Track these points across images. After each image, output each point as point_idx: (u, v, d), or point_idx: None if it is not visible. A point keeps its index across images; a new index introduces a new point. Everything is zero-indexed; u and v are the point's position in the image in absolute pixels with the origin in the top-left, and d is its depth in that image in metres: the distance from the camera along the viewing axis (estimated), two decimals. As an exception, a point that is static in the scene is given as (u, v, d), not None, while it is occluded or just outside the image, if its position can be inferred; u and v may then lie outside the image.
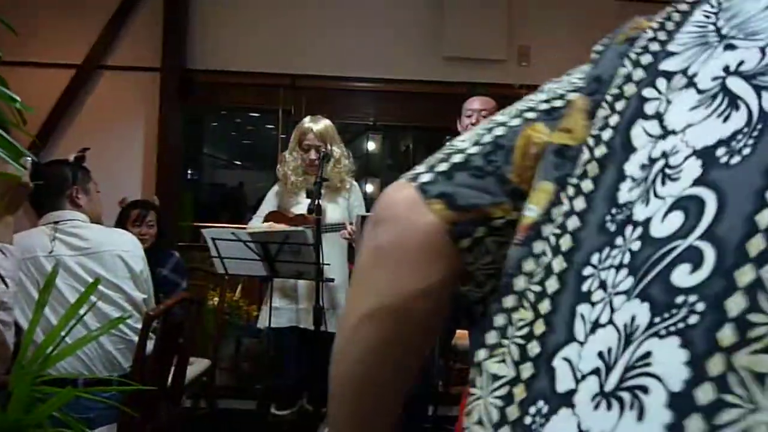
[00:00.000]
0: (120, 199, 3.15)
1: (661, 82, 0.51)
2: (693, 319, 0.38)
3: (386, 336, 0.57)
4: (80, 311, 1.52)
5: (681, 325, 0.38)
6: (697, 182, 0.42)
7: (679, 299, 0.39)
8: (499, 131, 0.59)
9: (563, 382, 0.43)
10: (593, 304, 0.44)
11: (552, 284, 0.47)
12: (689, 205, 0.42)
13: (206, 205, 8.10)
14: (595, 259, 0.45)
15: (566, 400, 0.42)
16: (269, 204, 3.08)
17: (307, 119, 3.00)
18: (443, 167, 0.57)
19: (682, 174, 0.43)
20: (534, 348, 0.46)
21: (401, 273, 0.55)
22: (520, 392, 0.46)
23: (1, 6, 3.29)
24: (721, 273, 0.38)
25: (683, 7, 0.58)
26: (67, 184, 2.16)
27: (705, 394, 0.36)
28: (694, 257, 0.39)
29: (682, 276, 0.39)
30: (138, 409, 1.89)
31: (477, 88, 3.06)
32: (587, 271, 0.45)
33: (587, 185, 0.49)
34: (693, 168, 0.43)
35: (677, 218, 0.42)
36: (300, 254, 2.57)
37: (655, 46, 0.55)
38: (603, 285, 0.44)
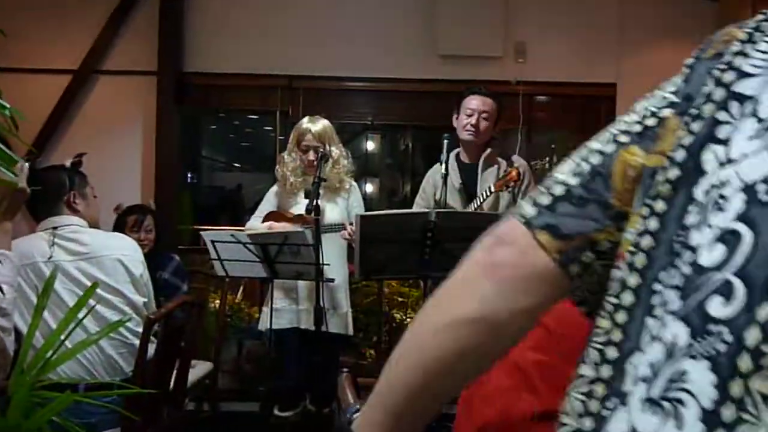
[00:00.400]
0: (115, 206, 3.14)
1: (733, 105, 0.51)
2: (721, 347, 0.43)
3: (471, 345, 0.60)
4: (79, 315, 1.52)
5: (712, 351, 0.44)
6: (739, 217, 0.45)
7: (712, 327, 0.44)
8: (596, 159, 0.61)
9: (626, 384, 0.49)
10: (655, 318, 0.49)
11: (627, 298, 0.52)
12: (730, 239, 0.45)
13: (205, 208, 8.09)
14: (663, 276, 0.50)
15: (625, 399, 0.48)
16: (268, 204, 3.08)
17: (305, 120, 2.99)
18: (546, 201, 0.61)
19: (729, 206, 0.46)
20: (612, 353, 0.52)
21: (512, 291, 0.59)
22: (601, 390, 0.52)
23: (-4, 12, 3.29)
24: (746, 308, 0.43)
25: None
26: (65, 190, 2.16)
27: (729, 412, 0.42)
28: (727, 291, 0.44)
29: (716, 307, 0.44)
30: (140, 413, 1.89)
31: (475, 87, 3.01)
32: (657, 287, 0.50)
33: (660, 206, 0.52)
34: (738, 201, 0.46)
35: (719, 250, 0.46)
36: (299, 255, 2.56)
37: (738, 61, 0.54)
38: (664, 303, 0.48)
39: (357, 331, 3.95)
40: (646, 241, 0.52)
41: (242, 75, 4.07)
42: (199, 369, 3.21)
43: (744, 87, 0.51)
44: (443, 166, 2.70)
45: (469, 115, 2.85)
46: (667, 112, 0.59)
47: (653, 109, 0.61)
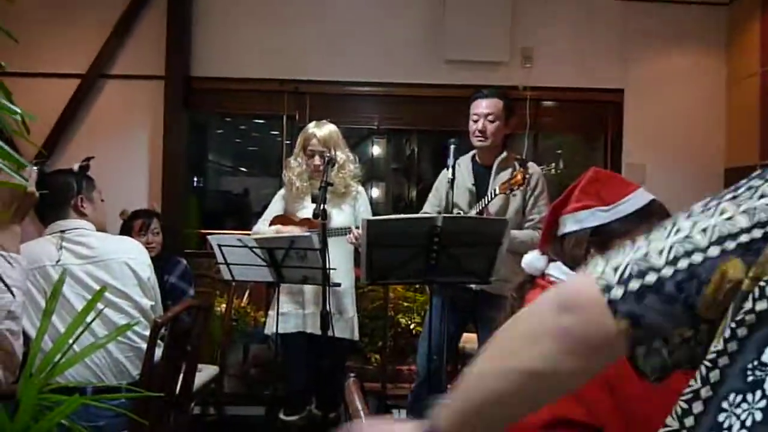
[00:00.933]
0: (120, 212, 3.15)
1: None
2: None
3: (529, 391, 0.65)
4: (87, 319, 1.52)
5: None
6: None
7: None
8: (697, 258, 0.60)
9: None
10: None
11: (698, 406, 0.56)
12: None
13: (212, 212, 8.11)
14: (731, 398, 0.52)
15: None
16: (275, 208, 3.08)
17: (312, 125, 3.00)
18: (635, 286, 0.61)
19: None
20: None
21: (574, 356, 0.62)
22: None
23: (5, 17, 3.31)
24: None
25: None
26: (72, 194, 2.17)
27: None
28: None
29: None
30: (147, 417, 1.89)
31: (480, 91, 2.98)
32: (725, 404, 0.53)
33: (743, 332, 0.54)
34: None
35: None
36: (306, 259, 2.57)
37: None
38: (729, 428, 0.51)
39: (362, 335, 3.95)
40: (723, 360, 0.55)
41: (249, 80, 4.08)
42: (205, 373, 3.22)
43: None
44: (449, 170, 2.70)
45: (475, 121, 2.84)
46: None
47: (765, 218, 0.59)
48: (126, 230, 3.05)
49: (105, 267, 2.10)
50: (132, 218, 3.10)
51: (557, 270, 1.38)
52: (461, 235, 2.27)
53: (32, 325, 2.00)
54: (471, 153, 2.95)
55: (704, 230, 0.63)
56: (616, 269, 0.63)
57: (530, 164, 2.85)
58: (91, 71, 3.97)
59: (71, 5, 4.01)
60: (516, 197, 2.80)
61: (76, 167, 2.24)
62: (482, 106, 2.84)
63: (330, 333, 2.60)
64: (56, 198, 2.12)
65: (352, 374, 1.34)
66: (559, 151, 6.39)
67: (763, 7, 3.83)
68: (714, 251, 0.60)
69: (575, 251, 1.35)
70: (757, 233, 0.58)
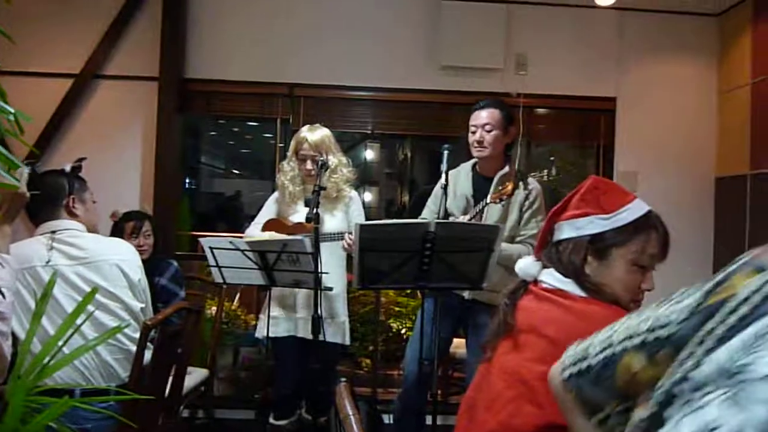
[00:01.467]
0: (111, 213, 3.13)
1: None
2: None
3: None
4: (77, 321, 1.51)
5: None
6: None
7: None
8: (609, 352, 0.81)
9: None
10: None
11: None
12: None
13: (203, 214, 8.11)
14: None
15: None
16: (268, 211, 3.07)
17: (305, 128, 2.99)
18: (579, 368, 0.85)
19: None
20: None
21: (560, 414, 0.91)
22: None
23: (-1, 16, 3.30)
24: None
25: None
26: (64, 194, 2.16)
27: None
28: None
29: None
30: (136, 420, 1.88)
31: (478, 102, 2.96)
32: None
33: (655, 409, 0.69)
34: None
35: None
36: (298, 263, 2.56)
37: None
38: None
39: (353, 340, 3.95)
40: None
41: (243, 82, 4.08)
42: (195, 376, 3.20)
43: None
44: (443, 176, 2.69)
45: (473, 132, 2.84)
46: (665, 331, 0.75)
47: (660, 324, 0.75)
48: (117, 232, 3.03)
49: (95, 268, 2.08)
50: (123, 220, 3.08)
51: (550, 276, 1.38)
52: (454, 241, 2.27)
53: (21, 326, 1.98)
54: (472, 161, 2.94)
55: (626, 327, 0.81)
56: (573, 354, 0.88)
57: (530, 180, 2.84)
58: (85, 71, 3.96)
59: (66, 5, 4.00)
60: (513, 211, 2.80)
61: (68, 168, 2.23)
62: (480, 117, 2.83)
63: (321, 337, 2.59)
64: (47, 198, 2.11)
65: (343, 379, 1.34)
66: (552, 159, 6.42)
67: (754, 18, 3.87)
68: (619, 348, 0.79)
69: (573, 257, 1.35)
70: (650, 337, 0.75)
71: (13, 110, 0.89)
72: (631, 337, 0.78)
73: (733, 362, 0.57)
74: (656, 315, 0.76)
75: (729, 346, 0.59)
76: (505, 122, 2.84)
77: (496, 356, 1.39)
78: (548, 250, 1.42)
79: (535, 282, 1.42)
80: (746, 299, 0.62)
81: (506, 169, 2.87)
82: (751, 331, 0.58)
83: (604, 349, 0.81)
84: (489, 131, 2.80)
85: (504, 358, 1.37)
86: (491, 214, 2.76)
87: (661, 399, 0.66)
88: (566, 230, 1.38)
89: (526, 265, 1.44)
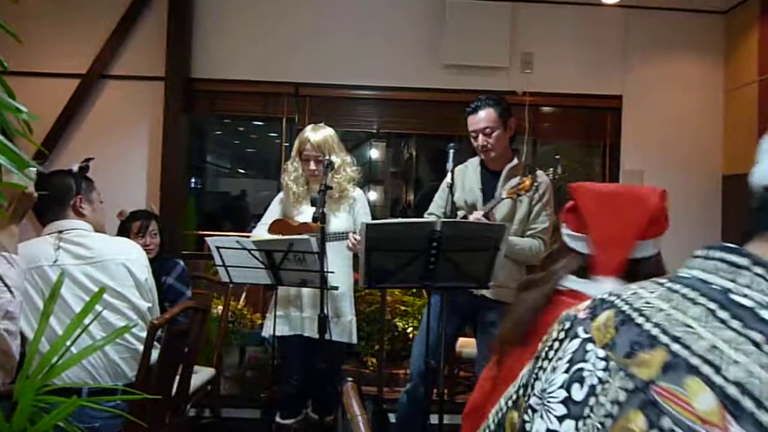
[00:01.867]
0: (118, 212, 3.14)
1: None
2: None
3: None
4: (85, 321, 1.52)
5: None
6: None
7: None
8: (499, 415, 0.84)
9: None
10: None
11: None
12: None
13: (209, 214, 8.13)
14: None
15: None
16: (274, 212, 3.07)
17: (308, 128, 2.98)
18: (498, 416, 0.86)
19: None
20: None
21: None
22: None
23: (5, 16, 3.31)
24: None
25: None
26: (71, 194, 2.16)
27: None
28: None
29: None
30: (143, 419, 1.89)
31: (470, 104, 2.89)
32: None
33: None
34: None
35: None
36: (304, 262, 2.56)
37: None
38: None
39: (359, 339, 3.95)
40: None
41: (249, 82, 4.09)
42: (201, 375, 3.21)
43: None
44: (449, 175, 2.69)
45: (475, 138, 2.82)
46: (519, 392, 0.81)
47: (522, 383, 0.80)
48: (123, 231, 3.03)
49: (102, 268, 2.09)
50: (130, 219, 3.09)
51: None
52: (460, 240, 2.27)
53: (29, 325, 1.99)
54: (479, 157, 2.93)
55: (507, 394, 0.85)
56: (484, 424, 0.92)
57: (539, 173, 2.81)
58: (92, 71, 3.97)
59: (72, 5, 4.01)
60: (522, 205, 2.78)
61: (75, 168, 2.23)
62: (477, 121, 2.78)
63: (327, 336, 2.59)
64: (55, 198, 2.12)
65: (350, 378, 1.34)
66: (558, 157, 6.41)
67: (761, 16, 3.85)
68: (505, 408, 0.83)
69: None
70: (514, 394, 0.80)
71: (25, 109, 0.89)
72: (510, 396, 0.83)
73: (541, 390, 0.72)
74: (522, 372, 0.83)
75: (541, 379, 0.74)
76: (504, 118, 2.79)
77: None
78: (629, 269, 1.33)
79: (567, 290, 1.37)
80: (552, 341, 0.75)
81: (515, 161, 2.86)
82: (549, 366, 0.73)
83: (499, 411, 0.85)
84: (489, 134, 2.77)
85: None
86: (501, 208, 2.74)
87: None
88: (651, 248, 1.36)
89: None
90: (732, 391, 0.53)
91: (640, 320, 0.64)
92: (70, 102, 3.95)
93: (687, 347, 0.58)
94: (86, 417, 1.88)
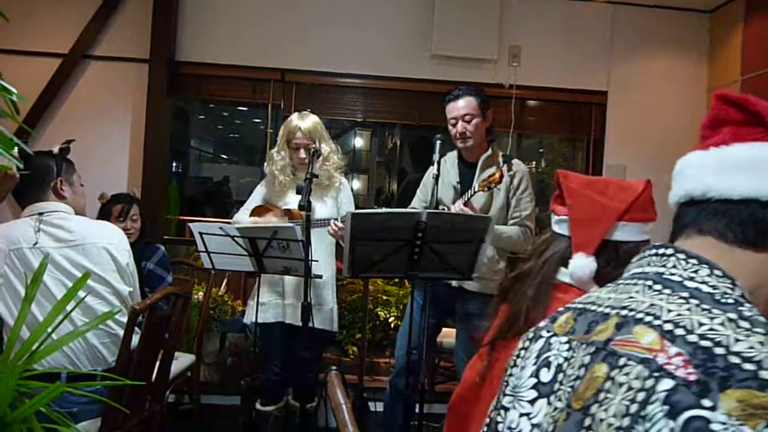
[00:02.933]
0: (99, 195, 3.09)
1: None
2: None
3: None
4: (67, 306, 1.49)
5: None
6: None
7: None
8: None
9: None
10: None
11: None
12: None
13: (191, 199, 8.06)
14: None
15: None
16: (257, 199, 3.05)
17: (294, 116, 2.96)
18: None
19: None
20: None
21: None
22: None
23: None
24: None
25: None
26: (51, 176, 2.13)
27: None
28: None
29: None
30: (122, 404, 1.87)
31: (450, 92, 2.90)
32: None
33: None
34: None
35: None
36: (288, 250, 2.55)
37: None
38: None
39: (341, 328, 3.95)
40: None
41: (235, 66, 4.04)
42: (181, 361, 3.19)
43: None
44: (435, 166, 2.70)
45: (454, 125, 2.84)
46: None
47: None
48: (104, 214, 3.00)
49: (83, 251, 2.06)
50: (111, 203, 3.05)
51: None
52: (445, 231, 2.28)
53: (6, 308, 1.97)
54: (457, 150, 2.95)
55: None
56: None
57: (515, 161, 2.85)
58: (74, 51, 3.90)
59: (54, -17, 3.93)
60: (499, 195, 2.81)
61: (56, 149, 2.20)
62: (457, 107, 2.82)
63: (310, 324, 2.59)
64: (35, 180, 2.09)
65: (333, 367, 1.34)
66: (542, 150, 6.45)
67: (746, 16, 3.89)
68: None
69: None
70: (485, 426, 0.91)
71: (15, 91, 0.87)
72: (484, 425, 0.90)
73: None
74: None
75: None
76: (483, 108, 2.84)
77: (499, 356, 1.36)
78: (607, 251, 1.32)
79: (564, 284, 1.35)
80: (516, 355, 0.88)
81: (489, 151, 2.89)
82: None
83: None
84: (469, 121, 2.80)
85: (505, 359, 1.35)
86: (477, 200, 2.77)
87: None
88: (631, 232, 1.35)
89: (584, 264, 1.31)
90: (668, 327, 0.68)
91: (593, 308, 0.80)
92: (51, 82, 3.87)
93: (632, 309, 0.74)
94: (65, 402, 1.86)
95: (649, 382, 0.64)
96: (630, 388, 0.65)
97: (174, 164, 7.19)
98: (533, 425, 0.77)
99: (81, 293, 1.75)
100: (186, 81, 4.07)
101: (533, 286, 1.36)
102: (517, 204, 2.83)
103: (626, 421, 0.63)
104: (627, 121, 4.22)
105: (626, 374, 0.66)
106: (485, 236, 2.32)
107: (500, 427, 0.83)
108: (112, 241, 2.15)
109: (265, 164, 3.07)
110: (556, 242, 1.39)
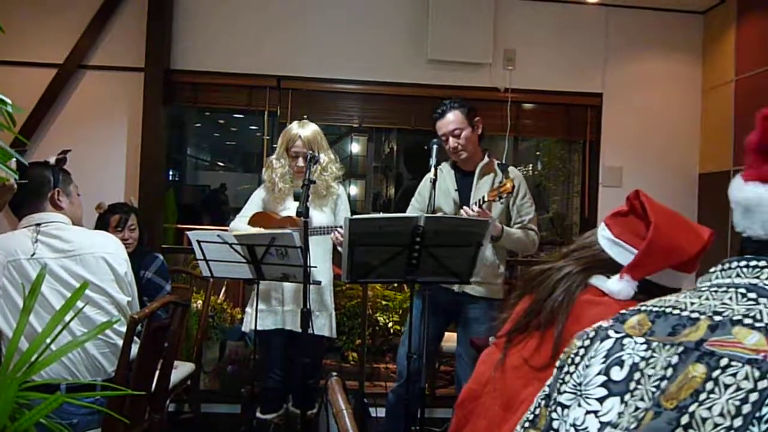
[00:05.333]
0: (96, 205, 3.09)
1: None
2: None
3: None
4: (66, 316, 1.49)
5: None
6: None
7: None
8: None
9: None
10: None
11: None
12: None
13: (189, 207, 8.05)
14: None
15: None
16: (254, 206, 3.05)
17: (294, 125, 2.97)
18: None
19: None
20: None
21: None
22: None
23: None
24: None
25: None
26: (48, 187, 2.13)
27: None
28: None
29: None
30: (122, 414, 1.86)
31: (438, 107, 2.92)
32: None
33: None
34: None
35: None
36: (287, 257, 2.55)
37: None
38: None
39: (340, 334, 3.95)
40: None
41: (230, 74, 4.04)
42: (180, 370, 3.18)
43: None
44: (432, 171, 2.71)
45: (446, 141, 2.86)
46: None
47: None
48: (102, 224, 2.99)
49: (81, 261, 2.06)
50: (109, 212, 3.05)
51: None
52: (443, 236, 2.28)
53: (5, 319, 1.96)
54: (452, 159, 2.97)
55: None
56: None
57: (510, 168, 2.88)
58: (69, 61, 3.89)
59: (49, -7, 3.93)
60: (498, 203, 2.84)
61: (53, 160, 2.19)
62: (445, 124, 2.85)
63: (310, 330, 2.59)
64: (32, 191, 2.08)
65: (334, 373, 1.33)
66: (538, 153, 6.46)
67: (739, 17, 3.91)
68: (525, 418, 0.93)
69: None
70: (531, 414, 0.91)
71: (10, 102, 0.87)
72: (527, 418, 0.90)
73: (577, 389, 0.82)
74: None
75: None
76: (470, 118, 2.87)
77: (512, 351, 1.36)
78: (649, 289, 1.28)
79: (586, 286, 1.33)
80: (575, 350, 0.86)
81: (486, 160, 2.91)
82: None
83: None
84: (458, 135, 2.84)
85: (521, 355, 1.35)
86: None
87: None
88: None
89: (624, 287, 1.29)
90: None
91: (675, 312, 0.78)
92: (47, 92, 3.87)
93: (726, 314, 0.72)
94: (64, 413, 1.86)
95: (762, 383, 0.63)
96: (739, 389, 0.64)
97: (171, 173, 7.19)
98: (602, 423, 0.76)
99: (79, 303, 1.74)
100: (181, 89, 4.07)
101: (563, 289, 1.33)
102: (519, 211, 2.87)
103: (738, 422, 0.63)
104: (623, 122, 4.23)
105: (733, 374, 0.66)
106: (483, 240, 2.32)
107: (555, 424, 0.83)
108: (110, 251, 2.15)
109: (263, 171, 3.08)
110: (599, 254, 1.35)
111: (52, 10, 3.92)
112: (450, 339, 3.42)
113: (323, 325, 2.90)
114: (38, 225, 2.07)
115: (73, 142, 3.26)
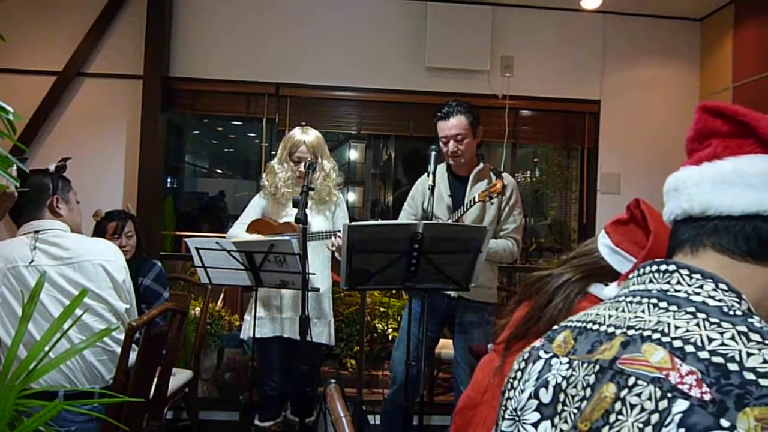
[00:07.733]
0: (94, 212, 3.09)
1: None
2: None
3: None
4: (64, 324, 1.49)
5: None
6: None
7: None
8: None
9: None
10: None
11: None
12: None
13: (187, 214, 8.06)
14: None
15: None
16: (253, 212, 3.04)
17: (297, 131, 2.97)
18: None
19: None
20: None
21: None
22: None
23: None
24: None
25: None
26: (47, 194, 2.13)
27: None
28: None
29: None
30: (120, 422, 1.86)
31: (441, 109, 2.89)
32: None
33: None
34: None
35: None
36: (285, 263, 2.55)
37: None
38: None
39: (338, 341, 3.94)
40: None
41: (229, 81, 4.05)
42: (178, 377, 3.17)
43: None
44: (430, 177, 2.70)
45: (445, 143, 2.85)
46: None
47: None
48: (99, 231, 2.99)
49: (80, 269, 2.06)
50: (106, 219, 3.04)
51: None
52: (441, 242, 2.28)
53: (3, 327, 1.95)
54: (446, 163, 2.97)
55: None
56: None
57: (504, 175, 2.88)
58: (68, 69, 3.91)
59: (49, 1, 3.94)
60: (491, 207, 2.84)
61: (52, 167, 2.19)
62: (448, 127, 2.82)
63: (308, 338, 2.58)
64: (31, 198, 2.08)
65: (333, 380, 1.33)
66: (536, 160, 6.47)
67: (736, 24, 3.93)
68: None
69: None
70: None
71: (11, 109, 0.87)
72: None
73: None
74: None
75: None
76: (474, 127, 2.85)
77: (511, 358, 1.35)
78: None
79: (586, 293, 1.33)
80: (512, 377, 0.87)
81: (480, 165, 2.91)
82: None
83: None
84: (461, 141, 2.82)
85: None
86: (470, 212, 2.79)
87: None
88: None
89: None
90: (677, 343, 0.67)
91: (594, 327, 0.79)
92: (46, 99, 3.88)
93: (639, 329, 0.72)
94: (63, 421, 1.85)
95: (663, 404, 0.62)
96: (643, 410, 0.64)
97: (169, 180, 7.19)
98: None
99: (78, 311, 1.74)
100: (180, 96, 4.08)
101: (563, 296, 1.33)
102: (507, 217, 2.87)
103: None
104: (620, 129, 4.25)
105: (637, 395, 0.65)
106: (482, 246, 2.33)
107: None
108: (108, 258, 2.15)
109: (264, 176, 3.07)
110: (598, 262, 1.34)
111: (52, 18, 3.94)
112: (447, 346, 3.42)
113: (321, 332, 2.90)
114: (37, 232, 2.06)
115: (72, 149, 3.26)
